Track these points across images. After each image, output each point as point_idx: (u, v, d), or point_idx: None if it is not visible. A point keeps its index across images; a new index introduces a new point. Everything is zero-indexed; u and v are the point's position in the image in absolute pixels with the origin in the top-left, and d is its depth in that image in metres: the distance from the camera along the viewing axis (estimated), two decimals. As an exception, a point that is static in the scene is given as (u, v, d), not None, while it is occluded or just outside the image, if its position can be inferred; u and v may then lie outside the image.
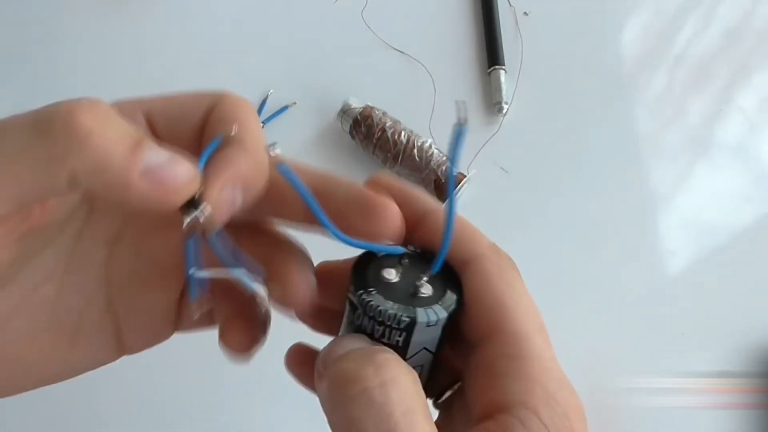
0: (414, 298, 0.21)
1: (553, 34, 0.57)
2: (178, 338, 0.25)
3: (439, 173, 0.47)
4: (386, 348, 0.20)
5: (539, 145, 0.52)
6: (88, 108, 0.19)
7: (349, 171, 0.51)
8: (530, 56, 0.56)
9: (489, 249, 0.22)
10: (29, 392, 0.23)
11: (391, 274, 0.21)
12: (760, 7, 0.59)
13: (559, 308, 0.46)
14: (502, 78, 0.54)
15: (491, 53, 0.56)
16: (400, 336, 0.20)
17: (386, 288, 0.21)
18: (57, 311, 0.22)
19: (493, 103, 0.53)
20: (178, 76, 0.57)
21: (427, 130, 0.51)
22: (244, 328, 0.23)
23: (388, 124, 0.49)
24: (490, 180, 0.50)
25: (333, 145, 0.52)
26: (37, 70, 0.57)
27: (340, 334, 0.22)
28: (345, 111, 0.50)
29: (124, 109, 0.23)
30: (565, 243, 0.48)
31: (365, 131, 0.49)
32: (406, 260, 0.22)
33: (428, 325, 0.20)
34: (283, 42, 0.58)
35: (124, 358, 0.25)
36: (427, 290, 0.21)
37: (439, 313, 0.20)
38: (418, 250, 0.22)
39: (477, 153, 0.51)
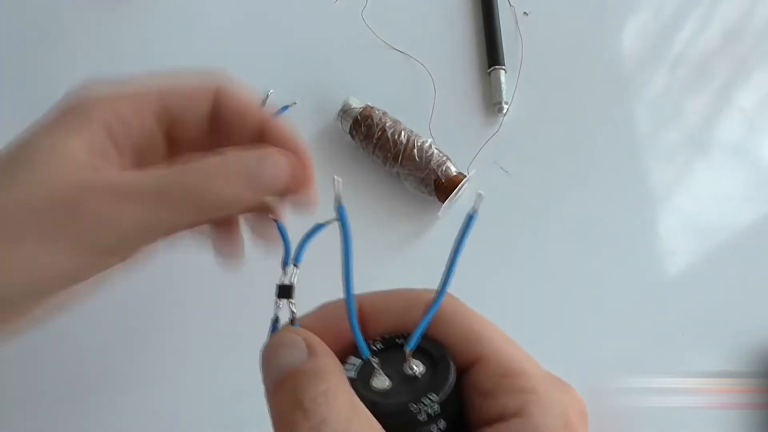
0: (415, 384, 0.21)
1: (553, 34, 0.57)
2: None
3: (439, 173, 0.47)
4: (321, 365, 0.20)
5: (539, 145, 0.52)
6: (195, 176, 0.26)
7: (348, 171, 0.51)
8: (530, 56, 0.56)
9: (428, 294, 0.22)
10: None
11: (382, 383, 0.21)
12: (759, 8, 0.59)
13: (558, 308, 0.46)
14: (502, 78, 0.54)
15: (491, 53, 0.56)
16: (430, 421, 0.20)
17: (386, 395, 0.21)
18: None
19: (493, 103, 0.53)
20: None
21: (427, 130, 0.51)
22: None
23: (388, 124, 0.49)
24: (490, 180, 0.50)
25: (333, 145, 0.52)
26: (37, 71, 0.57)
27: None
28: (345, 111, 0.50)
29: (138, 103, 0.29)
30: (565, 243, 0.48)
31: (365, 131, 0.49)
32: (375, 359, 0.21)
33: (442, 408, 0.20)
34: (283, 42, 0.58)
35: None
36: (417, 366, 0.21)
37: (446, 394, 0.20)
38: (379, 346, 0.22)
39: (477, 153, 0.51)
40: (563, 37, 0.57)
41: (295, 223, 0.27)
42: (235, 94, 0.30)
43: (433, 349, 0.22)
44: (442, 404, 0.20)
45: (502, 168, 0.51)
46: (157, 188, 0.25)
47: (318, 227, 0.23)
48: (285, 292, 0.24)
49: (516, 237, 0.49)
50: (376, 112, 0.50)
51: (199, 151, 0.28)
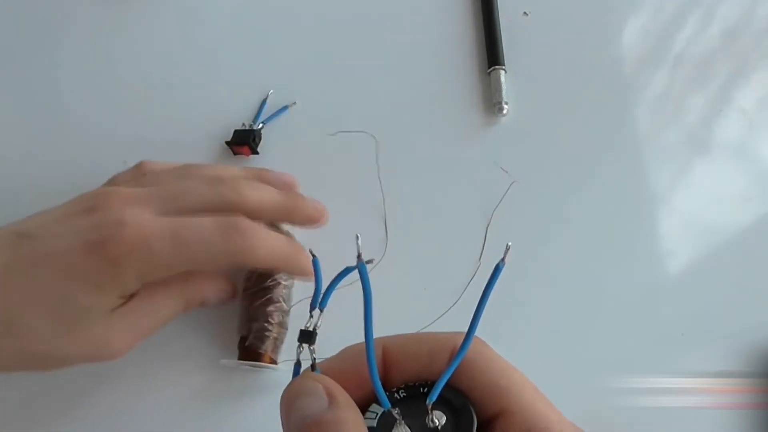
0: None
1: (553, 34, 0.57)
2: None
3: (254, 336, 0.41)
4: (341, 416, 0.20)
5: (539, 145, 0.52)
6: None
7: (348, 170, 0.51)
8: (530, 56, 0.56)
9: (456, 338, 0.22)
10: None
11: None
12: (759, 8, 0.59)
13: (558, 308, 0.46)
14: (502, 78, 0.54)
15: (491, 53, 0.56)
16: None
17: None
18: None
19: (493, 103, 0.53)
20: (178, 75, 0.57)
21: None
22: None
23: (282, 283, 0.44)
24: (490, 180, 0.50)
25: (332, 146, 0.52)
26: (37, 71, 0.57)
27: None
28: None
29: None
30: (565, 242, 0.48)
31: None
32: (397, 410, 0.21)
33: None
34: (283, 42, 0.58)
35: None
36: (439, 418, 0.21)
37: None
38: (402, 394, 0.22)
39: (477, 153, 0.51)
40: (563, 37, 0.57)
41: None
42: None
43: (456, 400, 0.22)
44: None
45: (502, 168, 0.51)
46: None
47: (346, 271, 0.23)
48: (306, 337, 0.24)
49: (516, 237, 0.48)
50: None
51: None
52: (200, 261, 0.36)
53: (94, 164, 0.51)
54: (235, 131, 0.52)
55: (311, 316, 0.24)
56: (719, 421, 0.42)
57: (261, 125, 0.53)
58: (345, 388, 0.22)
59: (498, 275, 0.21)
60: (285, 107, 0.54)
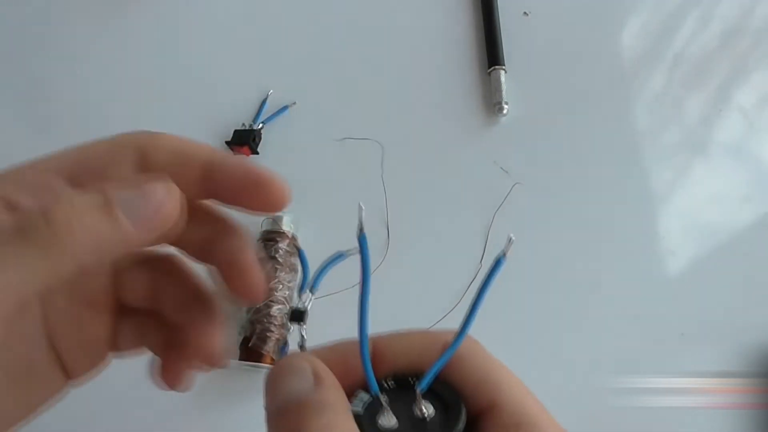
0: (423, 427, 0.20)
1: (553, 33, 0.57)
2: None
3: (257, 337, 0.42)
4: (325, 397, 0.20)
5: (539, 145, 0.52)
6: (59, 207, 0.20)
7: (349, 171, 0.51)
8: (530, 56, 0.56)
9: (447, 336, 0.22)
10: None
11: (389, 421, 0.20)
12: (759, 8, 0.59)
13: (558, 308, 0.46)
14: (502, 78, 0.54)
15: (491, 53, 0.56)
16: None
17: None
18: (6, 361, 0.23)
19: (493, 103, 0.53)
20: (179, 76, 0.57)
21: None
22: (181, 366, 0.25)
23: (280, 261, 0.44)
24: (490, 180, 0.50)
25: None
26: (37, 71, 0.57)
27: None
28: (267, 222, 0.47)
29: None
30: (565, 242, 0.48)
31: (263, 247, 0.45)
32: (385, 396, 0.21)
33: None
34: (282, 42, 0.58)
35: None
36: (428, 408, 0.21)
37: None
38: (390, 383, 0.22)
39: (477, 153, 0.51)
40: (563, 37, 0.57)
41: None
42: (159, 146, 0.25)
43: (446, 393, 0.21)
44: None
45: (502, 168, 0.51)
46: (19, 229, 0.19)
47: (339, 256, 0.23)
48: (298, 316, 0.24)
49: (516, 237, 0.48)
50: (280, 245, 0.45)
51: None
52: None
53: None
54: (235, 131, 0.52)
55: (300, 299, 0.24)
56: (719, 421, 0.42)
57: (261, 125, 0.53)
58: (333, 374, 0.21)
59: (498, 269, 0.20)
60: (285, 107, 0.54)
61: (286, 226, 0.45)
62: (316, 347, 0.23)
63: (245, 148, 0.51)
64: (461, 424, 0.20)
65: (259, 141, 0.52)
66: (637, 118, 0.53)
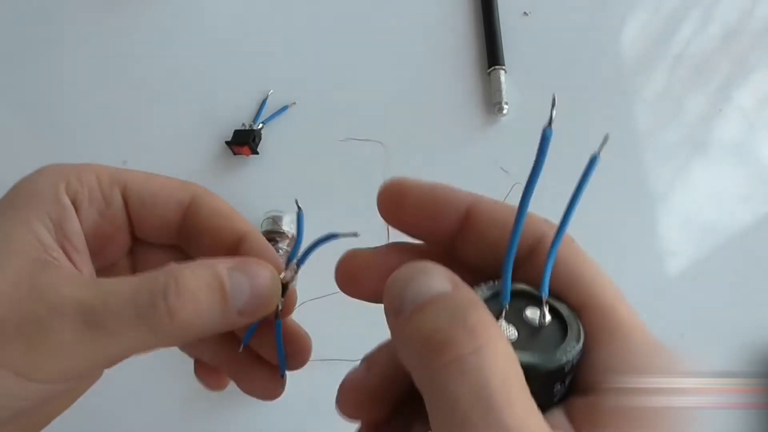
0: (541, 335, 0.19)
1: (553, 34, 0.57)
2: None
3: None
4: (473, 295, 0.18)
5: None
6: (175, 291, 0.21)
7: (347, 170, 0.51)
8: (530, 56, 0.56)
9: (546, 225, 0.22)
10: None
11: (512, 334, 0.19)
12: (759, 8, 0.59)
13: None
14: (502, 78, 0.54)
15: (491, 53, 0.56)
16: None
17: (522, 342, 0.19)
18: None
19: (493, 103, 0.53)
20: (179, 76, 0.57)
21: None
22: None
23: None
24: (490, 180, 0.50)
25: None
26: (38, 72, 0.57)
27: None
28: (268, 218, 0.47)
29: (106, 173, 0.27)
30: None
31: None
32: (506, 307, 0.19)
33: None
34: (282, 42, 0.58)
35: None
36: (534, 315, 0.19)
37: (583, 342, 0.19)
38: (487, 292, 0.20)
39: (477, 153, 0.51)
40: (563, 37, 0.57)
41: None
42: (212, 203, 0.26)
43: (557, 304, 0.20)
44: (580, 354, 0.18)
45: (502, 168, 0.51)
46: (135, 309, 0.20)
47: (331, 236, 0.23)
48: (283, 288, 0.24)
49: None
50: (280, 245, 0.45)
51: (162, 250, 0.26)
52: None
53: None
54: (235, 131, 0.52)
55: (286, 269, 0.24)
56: (719, 421, 0.42)
57: (261, 125, 0.53)
58: None
59: (594, 168, 0.20)
60: (285, 107, 0.54)
61: (286, 226, 0.45)
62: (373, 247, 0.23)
63: (245, 148, 0.51)
64: (581, 325, 0.19)
65: (259, 141, 0.52)
66: (637, 118, 0.53)
